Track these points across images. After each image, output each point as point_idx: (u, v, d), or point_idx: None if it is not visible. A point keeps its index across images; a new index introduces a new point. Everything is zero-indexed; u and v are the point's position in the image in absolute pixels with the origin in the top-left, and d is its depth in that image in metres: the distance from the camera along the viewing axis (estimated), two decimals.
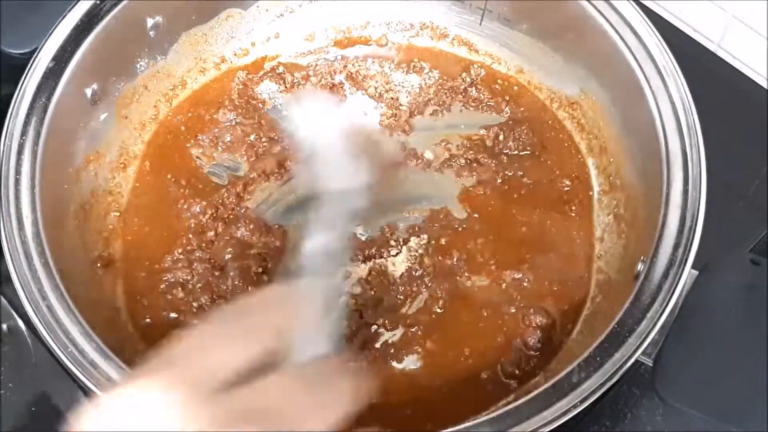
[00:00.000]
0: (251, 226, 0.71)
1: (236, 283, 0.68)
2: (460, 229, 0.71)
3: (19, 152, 0.62)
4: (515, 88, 0.77)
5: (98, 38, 0.66)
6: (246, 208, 0.73)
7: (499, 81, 0.78)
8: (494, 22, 0.78)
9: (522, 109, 0.77)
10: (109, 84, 0.70)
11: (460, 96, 0.78)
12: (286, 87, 0.79)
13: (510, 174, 0.74)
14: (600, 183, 0.73)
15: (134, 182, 0.74)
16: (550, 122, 0.76)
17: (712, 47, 0.84)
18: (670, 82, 0.63)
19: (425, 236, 0.71)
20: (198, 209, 0.72)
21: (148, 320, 0.67)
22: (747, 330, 0.54)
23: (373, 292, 0.68)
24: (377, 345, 0.66)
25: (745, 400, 0.52)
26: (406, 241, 0.71)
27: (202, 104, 0.78)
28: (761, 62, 0.80)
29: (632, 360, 0.53)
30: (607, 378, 0.52)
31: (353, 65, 0.80)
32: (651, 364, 0.54)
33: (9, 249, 0.58)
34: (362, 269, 0.69)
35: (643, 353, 0.54)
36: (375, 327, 0.66)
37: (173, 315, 0.68)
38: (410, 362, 0.66)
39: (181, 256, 0.70)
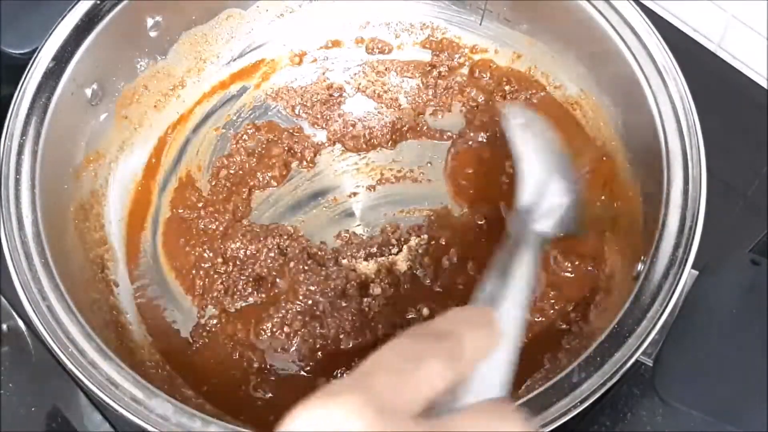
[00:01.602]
0: (253, 227, 0.72)
1: (239, 286, 0.69)
2: (460, 228, 0.71)
3: (19, 152, 0.62)
4: (515, 87, 0.77)
5: (98, 38, 0.66)
6: (249, 208, 0.73)
7: (498, 81, 0.78)
8: (494, 22, 0.78)
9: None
10: (109, 84, 0.70)
11: (460, 96, 0.78)
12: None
13: (510, 173, 0.74)
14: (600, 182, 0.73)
15: None
16: (549, 122, 0.76)
17: (712, 47, 0.83)
18: (670, 82, 0.63)
19: (425, 236, 0.71)
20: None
21: (148, 320, 0.67)
22: (747, 330, 0.54)
23: (392, 290, 0.68)
24: (378, 345, 0.66)
25: (745, 400, 0.52)
26: (406, 241, 0.71)
27: None
28: (761, 62, 0.80)
29: (632, 360, 0.53)
30: (607, 378, 0.52)
31: (353, 66, 0.80)
32: (651, 364, 0.54)
33: (9, 249, 0.58)
34: (366, 266, 0.69)
35: (643, 353, 0.54)
36: (375, 327, 0.66)
37: None
38: None
39: None
